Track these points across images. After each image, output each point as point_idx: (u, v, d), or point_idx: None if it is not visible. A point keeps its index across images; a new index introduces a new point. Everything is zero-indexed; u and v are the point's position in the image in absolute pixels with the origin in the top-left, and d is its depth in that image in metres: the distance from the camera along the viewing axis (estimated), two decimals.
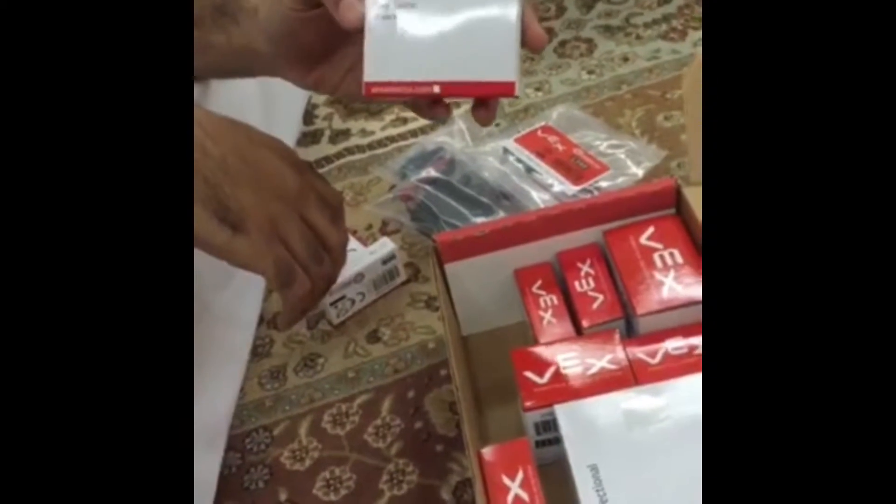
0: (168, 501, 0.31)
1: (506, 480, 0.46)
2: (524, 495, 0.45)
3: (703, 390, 0.34)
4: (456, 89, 0.46)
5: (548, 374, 0.51)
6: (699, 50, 0.53)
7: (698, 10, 0.93)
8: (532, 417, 0.50)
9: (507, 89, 0.45)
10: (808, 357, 0.31)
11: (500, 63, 0.44)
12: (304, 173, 0.50)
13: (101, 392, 0.31)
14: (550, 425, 0.50)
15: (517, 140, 0.76)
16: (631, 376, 0.50)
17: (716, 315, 0.32)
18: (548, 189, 0.71)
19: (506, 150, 0.75)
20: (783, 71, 0.32)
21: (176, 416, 0.32)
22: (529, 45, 0.45)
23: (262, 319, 0.70)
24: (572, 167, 0.72)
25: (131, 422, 0.31)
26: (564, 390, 0.50)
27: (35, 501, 0.29)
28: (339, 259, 0.53)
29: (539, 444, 0.50)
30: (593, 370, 0.51)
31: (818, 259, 0.31)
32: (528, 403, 0.50)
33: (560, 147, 0.75)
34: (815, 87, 0.32)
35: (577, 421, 0.47)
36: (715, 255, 0.33)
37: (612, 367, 0.51)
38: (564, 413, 0.48)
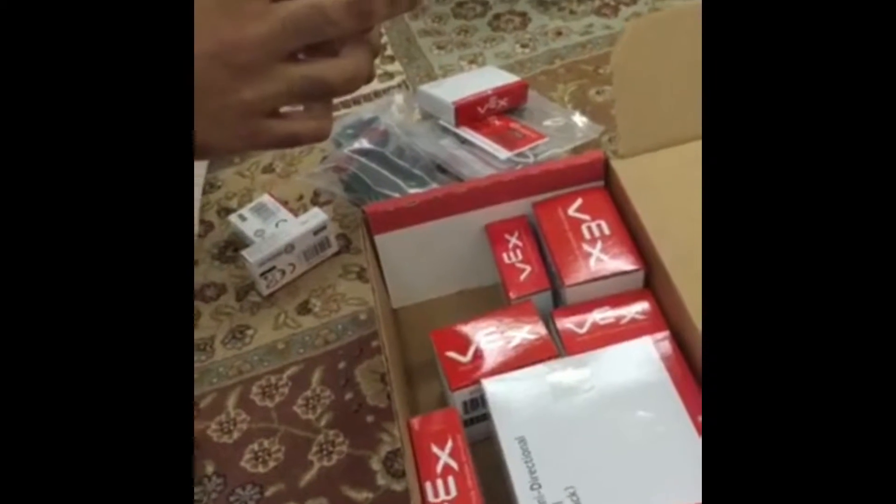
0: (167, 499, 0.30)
1: (435, 449, 0.46)
2: (453, 464, 0.45)
3: (703, 381, 0.33)
4: None
5: (470, 352, 0.51)
6: (629, 25, 0.54)
7: None
8: (460, 397, 0.50)
9: None
10: (810, 349, 0.30)
11: None
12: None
13: (98, 386, 0.30)
14: (478, 402, 0.50)
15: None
16: (552, 345, 0.51)
17: (716, 310, 0.31)
18: (482, 158, 0.71)
19: (441, 124, 0.75)
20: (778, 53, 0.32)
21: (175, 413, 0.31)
22: None
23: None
24: (508, 138, 0.72)
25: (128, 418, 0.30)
26: (489, 366, 0.50)
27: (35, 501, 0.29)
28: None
29: (468, 422, 0.50)
30: (514, 343, 0.51)
31: (820, 254, 0.30)
32: (454, 384, 0.50)
33: (497, 122, 0.75)
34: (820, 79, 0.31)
35: (503, 394, 0.48)
36: (715, 251, 0.32)
37: (532, 337, 0.51)
38: (491, 388, 0.48)
